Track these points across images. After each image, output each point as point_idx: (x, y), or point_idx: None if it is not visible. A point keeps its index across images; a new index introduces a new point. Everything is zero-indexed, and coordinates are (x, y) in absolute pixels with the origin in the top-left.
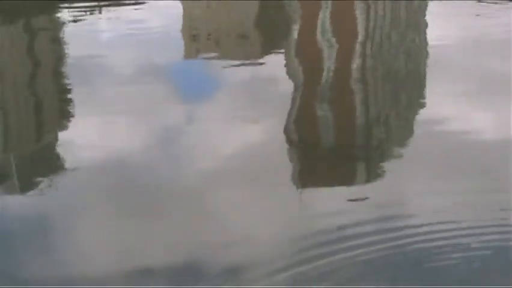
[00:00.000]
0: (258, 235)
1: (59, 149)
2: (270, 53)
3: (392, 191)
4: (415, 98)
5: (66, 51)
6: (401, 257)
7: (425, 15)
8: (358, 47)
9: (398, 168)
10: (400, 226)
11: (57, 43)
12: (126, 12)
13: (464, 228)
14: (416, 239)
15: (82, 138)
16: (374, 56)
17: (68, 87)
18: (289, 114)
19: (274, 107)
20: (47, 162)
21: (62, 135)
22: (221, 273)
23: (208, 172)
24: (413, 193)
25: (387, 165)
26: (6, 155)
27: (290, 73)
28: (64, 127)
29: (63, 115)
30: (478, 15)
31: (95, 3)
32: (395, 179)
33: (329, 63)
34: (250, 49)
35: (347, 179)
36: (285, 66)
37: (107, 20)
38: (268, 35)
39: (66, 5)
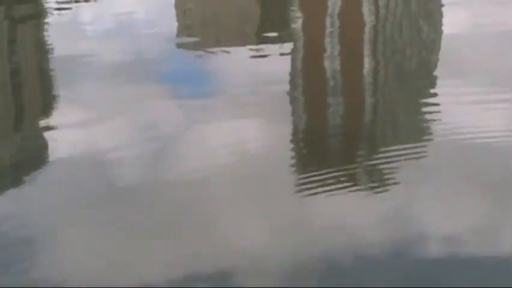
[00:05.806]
0: None
1: (40, 150)
2: (272, 44)
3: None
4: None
5: (50, 42)
6: None
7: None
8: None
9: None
10: None
11: (40, 33)
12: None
13: None
14: None
15: (67, 139)
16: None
17: (52, 82)
18: (292, 110)
19: (275, 102)
20: (27, 163)
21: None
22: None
23: (204, 172)
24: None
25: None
26: None
27: (293, 67)
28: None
29: (46, 110)
30: None
31: None
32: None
33: (333, 59)
34: (251, 39)
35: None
36: (289, 58)
37: (94, 9)
38: (270, 23)
39: None
